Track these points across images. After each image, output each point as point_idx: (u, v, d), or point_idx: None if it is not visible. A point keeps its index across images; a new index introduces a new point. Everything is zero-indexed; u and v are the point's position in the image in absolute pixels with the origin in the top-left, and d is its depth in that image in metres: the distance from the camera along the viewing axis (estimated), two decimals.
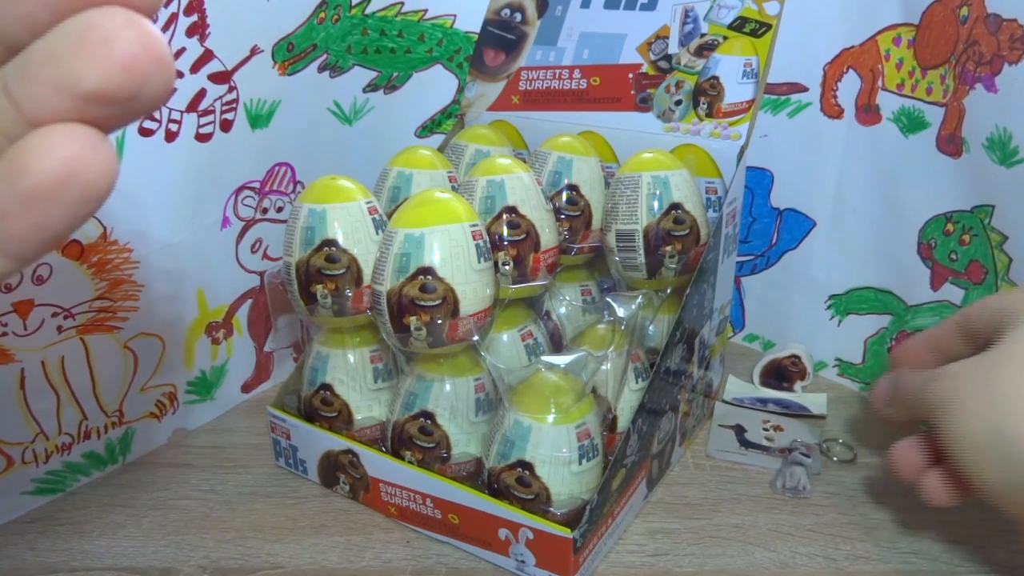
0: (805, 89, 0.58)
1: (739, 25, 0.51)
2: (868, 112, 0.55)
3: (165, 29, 0.46)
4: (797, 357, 0.62)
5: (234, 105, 0.52)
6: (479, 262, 0.41)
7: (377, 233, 0.44)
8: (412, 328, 0.41)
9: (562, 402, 0.41)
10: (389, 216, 0.44)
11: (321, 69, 0.58)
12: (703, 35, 0.52)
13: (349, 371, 0.48)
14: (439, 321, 0.40)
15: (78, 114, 0.16)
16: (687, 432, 0.52)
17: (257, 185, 0.56)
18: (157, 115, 0.47)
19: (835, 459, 0.52)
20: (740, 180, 0.50)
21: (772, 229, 0.63)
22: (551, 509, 0.40)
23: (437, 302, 0.40)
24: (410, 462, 0.45)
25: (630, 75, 0.54)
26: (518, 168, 0.46)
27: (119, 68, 0.15)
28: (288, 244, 0.45)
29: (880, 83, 0.54)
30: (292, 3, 0.54)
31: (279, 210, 0.58)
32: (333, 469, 0.48)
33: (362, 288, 0.44)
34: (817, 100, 0.58)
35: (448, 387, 0.44)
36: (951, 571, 0.42)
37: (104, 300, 0.47)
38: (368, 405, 0.48)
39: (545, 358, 0.42)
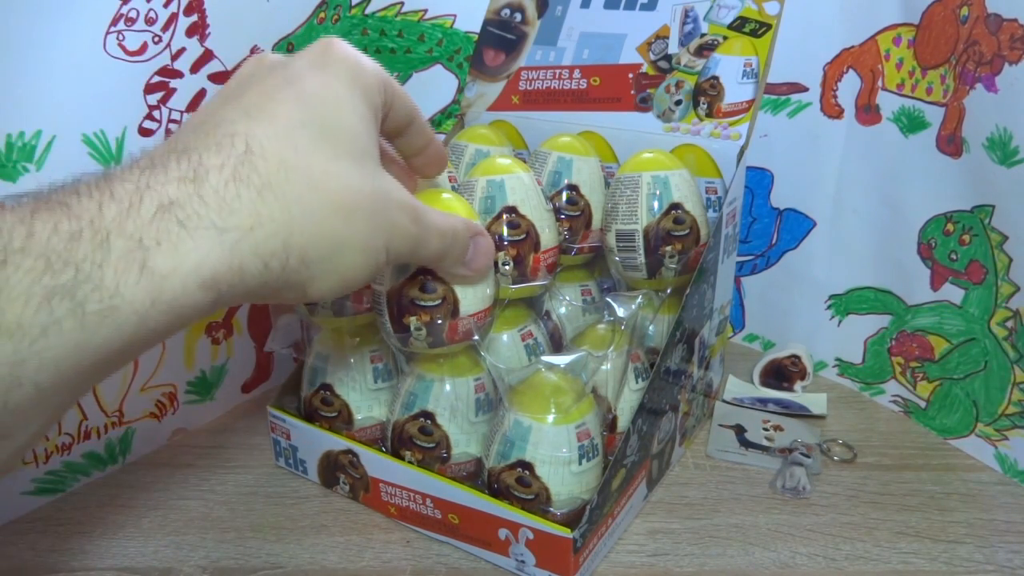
0: (805, 89, 0.58)
1: (739, 25, 0.51)
2: (868, 112, 0.55)
3: (165, 29, 0.46)
4: (797, 357, 0.62)
5: None
6: None
7: None
8: (412, 328, 0.41)
9: (562, 402, 0.41)
10: None
11: None
12: (703, 35, 0.52)
13: (349, 371, 0.48)
14: (439, 321, 0.40)
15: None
16: (687, 432, 0.52)
17: None
18: (157, 115, 0.47)
19: (835, 459, 0.52)
20: (740, 180, 0.50)
21: (772, 229, 0.63)
22: (551, 509, 0.40)
23: (437, 302, 0.40)
24: (410, 462, 0.45)
25: (630, 75, 0.54)
26: (518, 168, 0.46)
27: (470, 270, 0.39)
28: None
29: (880, 83, 0.54)
30: (292, 3, 0.54)
31: None
32: (333, 469, 0.48)
33: (362, 287, 0.44)
34: (817, 100, 0.58)
35: (448, 387, 0.44)
36: (951, 571, 0.42)
37: None
38: (368, 405, 0.48)
39: (545, 358, 0.42)
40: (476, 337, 0.42)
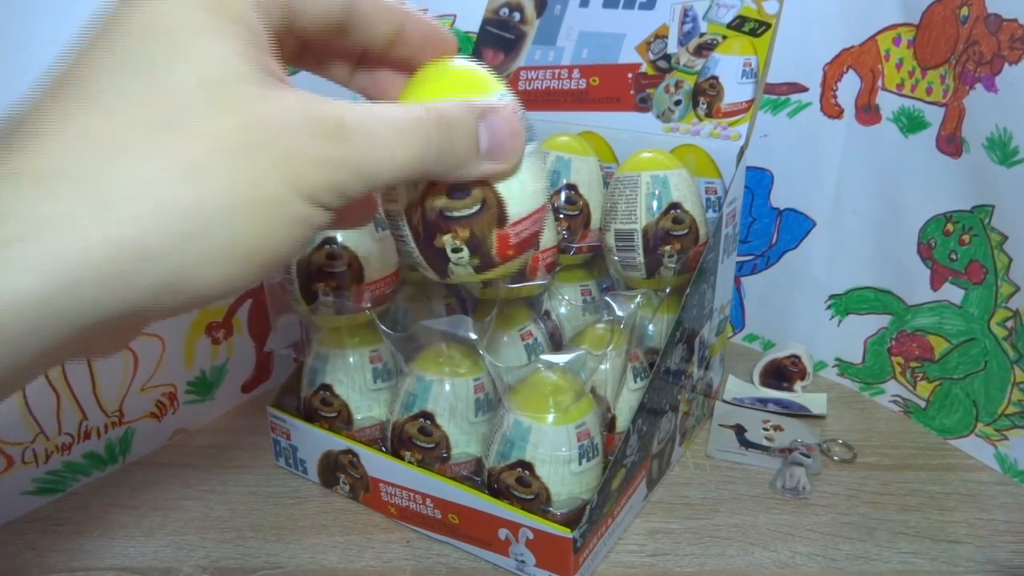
0: (805, 89, 0.58)
1: (738, 24, 0.50)
2: (868, 112, 0.55)
3: None
4: (797, 357, 0.62)
5: None
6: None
7: (378, 230, 0.44)
8: (449, 250, 0.30)
9: (561, 401, 0.41)
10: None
11: None
12: (702, 34, 0.52)
13: (349, 371, 0.48)
14: (482, 234, 0.29)
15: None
16: (687, 432, 0.52)
17: None
18: None
19: (835, 459, 0.52)
20: (740, 180, 0.50)
21: (772, 229, 0.63)
22: (551, 509, 0.40)
23: (476, 207, 0.29)
24: (410, 462, 0.45)
25: (629, 75, 0.54)
26: None
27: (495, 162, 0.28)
28: None
29: (880, 83, 0.54)
30: None
31: None
32: (333, 469, 0.48)
33: (363, 285, 0.44)
34: (817, 100, 0.58)
35: (447, 387, 0.44)
36: (951, 571, 0.42)
37: None
38: (368, 405, 0.48)
39: (544, 357, 0.42)
40: (537, 268, 0.34)
